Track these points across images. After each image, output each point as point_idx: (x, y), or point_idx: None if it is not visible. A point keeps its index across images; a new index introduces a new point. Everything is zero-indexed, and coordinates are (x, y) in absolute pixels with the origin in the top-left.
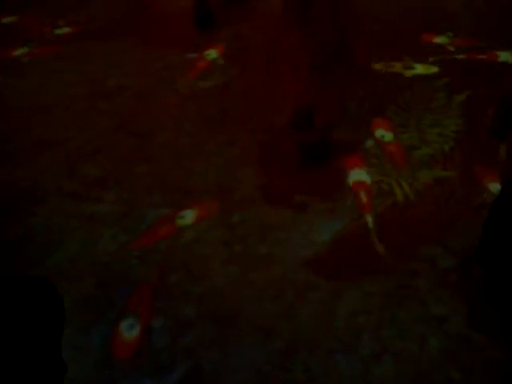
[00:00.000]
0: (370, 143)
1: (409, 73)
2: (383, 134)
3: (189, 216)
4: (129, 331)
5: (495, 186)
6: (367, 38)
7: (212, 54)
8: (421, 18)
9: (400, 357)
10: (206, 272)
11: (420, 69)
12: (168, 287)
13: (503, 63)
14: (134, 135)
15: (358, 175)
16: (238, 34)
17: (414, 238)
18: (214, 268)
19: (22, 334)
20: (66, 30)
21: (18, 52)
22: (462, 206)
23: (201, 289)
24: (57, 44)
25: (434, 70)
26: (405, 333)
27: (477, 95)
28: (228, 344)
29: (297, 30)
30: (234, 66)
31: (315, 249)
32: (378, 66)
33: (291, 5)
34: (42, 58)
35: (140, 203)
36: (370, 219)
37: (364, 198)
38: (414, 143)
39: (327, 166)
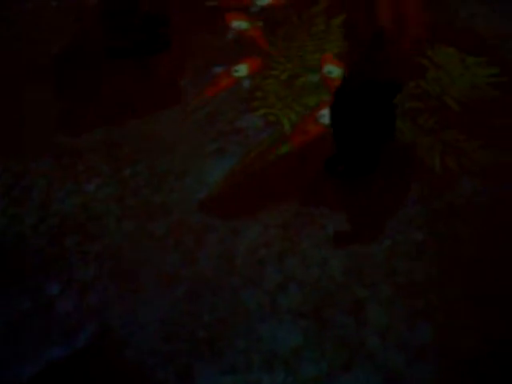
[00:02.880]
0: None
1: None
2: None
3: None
4: None
5: None
6: None
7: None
8: None
9: (304, 284)
10: (101, 230)
11: None
12: (64, 251)
13: None
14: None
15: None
16: None
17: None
18: (109, 225)
19: None
20: None
21: None
22: None
23: (99, 248)
24: None
25: None
26: (307, 259)
27: (354, 18)
28: (132, 299)
29: None
30: None
31: (209, 190)
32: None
33: None
34: None
35: (28, 172)
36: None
37: None
38: (296, 71)
39: None
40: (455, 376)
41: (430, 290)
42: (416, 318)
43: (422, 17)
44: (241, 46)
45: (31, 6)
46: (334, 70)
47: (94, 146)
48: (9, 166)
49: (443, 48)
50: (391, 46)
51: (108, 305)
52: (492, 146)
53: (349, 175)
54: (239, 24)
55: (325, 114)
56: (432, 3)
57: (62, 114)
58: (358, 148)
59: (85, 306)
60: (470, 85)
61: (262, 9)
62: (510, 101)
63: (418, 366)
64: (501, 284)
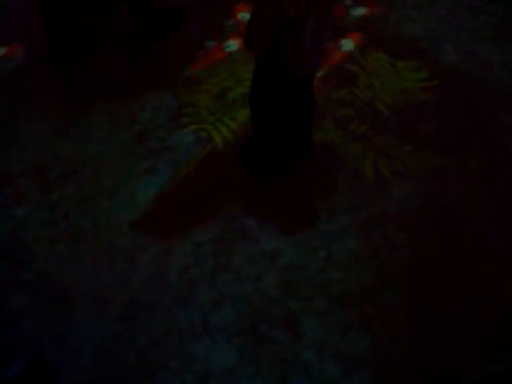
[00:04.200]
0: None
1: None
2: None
3: None
4: None
5: None
6: None
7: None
8: None
9: (238, 300)
10: (33, 256)
11: None
12: None
13: None
14: None
15: None
16: None
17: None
18: (40, 250)
19: None
20: None
21: None
22: None
23: (30, 274)
24: None
25: None
26: (240, 275)
27: None
28: (66, 325)
29: None
30: None
31: (140, 209)
32: None
33: None
34: None
35: None
36: None
37: None
38: (227, 84)
39: None
40: None
41: (365, 299)
42: (351, 328)
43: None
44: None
45: None
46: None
47: (22, 169)
48: None
49: (374, 54)
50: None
51: (41, 334)
52: (423, 150)
53: (263, 168)
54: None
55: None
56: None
57: None
58: (273, 137)
59: (17, 335)
60: (400, 89)
61: None
62: (440, 104)
63: (355, 377)
64: (435, 291)
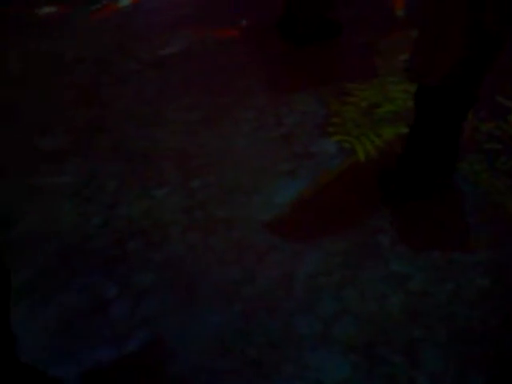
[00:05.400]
0: None
1: None
2: None
3: None
4: None
5: None
6: None
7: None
8: None
9: (360, 317)
10: (165, 239)
11: None
12: (126, 255)
13: None
14: (94, 105)
15: None
16: None
17: (375, 196)
18: (173, 234)
19: None
20: None
21: None
22: None
23: (160, 256)
24: None
25: None
26: (366, 292)
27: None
28: (187, 311)
29: None
30: None
31: (276, 211)
32: None
33: None
34: None
35: (100, 174)
36: None
37: None
38: (376, 101)
39: None
40: None
41: (488, 340)
42: (469, 366)
43: None
44: None
45: None
46: None
47: (166, 153)
48: (82, 167)
49: None
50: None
51: (162, 314)
52: None
53: (403, 196)
54: None
55: None
56: None
57: (139, 117)
58: (426, 160)
59: (139, 312)
60: None
61: None
62: None
63: None
64: None
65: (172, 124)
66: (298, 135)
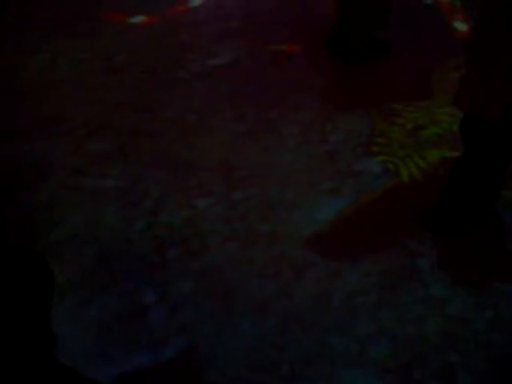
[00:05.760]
0: None
1: None
2: None
3: None
4: None
5: None
6: None
7: None
8: None
9: (397, 339)
10: (205, 248)
11: None
12: (166, 262)
13: None
14: (141, 111)
15: None
16: None
17: (417, 218)
18: (213, 244)
19: (9, 302)
20: None
21: None
22: None
23: (199, 265)
24: None
25: None
26: (403, 315)
27: None
28: (224, 321)
29: None
30: None
31: (317, 228)
32: None
33: None
34: None
35: (143, 180)
36: None
37: None
38: (422, 123)
39: None
40: None
41: None
42: None
43: None
44: None
45: None
46: None
47: (210, 163)
48: (126, 172)
49: None
50: None
51: (199, 322)
52: None
53: (445, 222)
54: None
55: None
56: None
57: (184, 125)
58: (466, 194)
59: (176, 319)
60: None
61: None
62: None
63: None
64: None
65: (217, 134)
66: (342, 153)
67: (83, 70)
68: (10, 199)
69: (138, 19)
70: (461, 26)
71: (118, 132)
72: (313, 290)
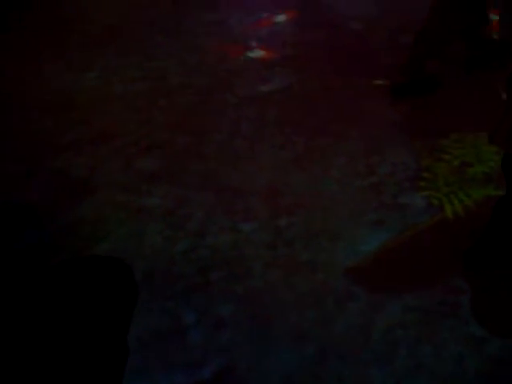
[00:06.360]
0: None
1: None
2: None
3: None
4: None
5: None
6: None
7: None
8: None
9: (435, 375)
10: (247, 272)
11: None
12: (208, 284)
13: None
14: (191, 133)
15: None
16: None
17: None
18: (255, 269)
19: (93, 308)
20: None
21: None
22: None
23: (241, 288)
24: None
25: None
26: (443, 351)
27: None
28: (262, 346)
29: None
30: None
31: (359, 259)
32: None
33: None
34: None
35: (189, 201)
36: None
37: None
38: (469, 160)
39: None
40: None
41: None
42: None
43: None
44: None
45: None
46: None
47: (256, 189)
48: (172, 192)
49: None
50: None
51: (237, 345)
52: None
53: (487, 261)
54: None
55: None
56: None
57: (232, 149)
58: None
59: (215, 341)
60: None
61: None
62: None
63: None
64: None
65: (264, 160)
66: (387, 185)
67: (135, 88)
68: (56, 212)
69: None
70: None
71: (167, 152)
72: (353, 320)
